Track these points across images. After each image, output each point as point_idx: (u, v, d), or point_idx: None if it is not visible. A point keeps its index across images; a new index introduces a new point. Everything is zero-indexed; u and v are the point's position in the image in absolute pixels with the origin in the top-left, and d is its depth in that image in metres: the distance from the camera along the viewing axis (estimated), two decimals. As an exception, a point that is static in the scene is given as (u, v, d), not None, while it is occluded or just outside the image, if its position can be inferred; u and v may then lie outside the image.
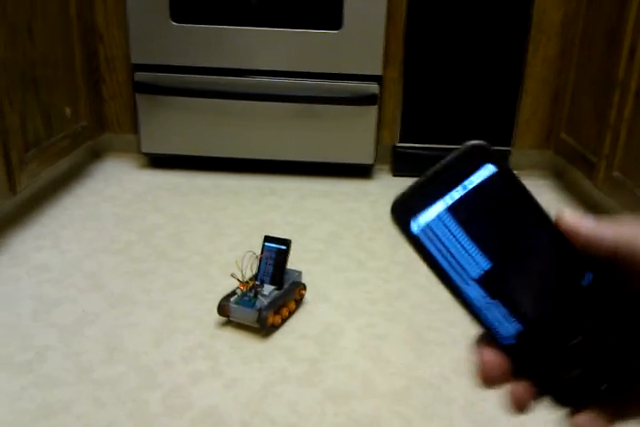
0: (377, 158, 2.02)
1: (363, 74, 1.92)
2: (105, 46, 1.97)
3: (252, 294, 1.21)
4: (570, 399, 0.29)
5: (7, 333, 1.19)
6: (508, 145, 2.03)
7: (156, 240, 1.57)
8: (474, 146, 0.30)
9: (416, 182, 0.31)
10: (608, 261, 0.29)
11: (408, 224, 0.30)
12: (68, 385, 1.05)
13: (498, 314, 0.30)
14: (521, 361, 0.30)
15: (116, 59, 1.99)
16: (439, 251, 0.30)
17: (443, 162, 0.30)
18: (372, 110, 1.94)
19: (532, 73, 1.97)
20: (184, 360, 1.13)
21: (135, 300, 1.31)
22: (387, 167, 2.12)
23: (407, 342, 1.21)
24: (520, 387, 0.29)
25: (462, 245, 0.30)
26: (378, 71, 1.91)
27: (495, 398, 1.06)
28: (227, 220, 1.70)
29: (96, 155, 2.13)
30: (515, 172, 0.30)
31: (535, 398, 0.30)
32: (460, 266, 0.30)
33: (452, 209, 0.30)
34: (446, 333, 1.23)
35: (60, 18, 1.71)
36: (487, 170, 0.30)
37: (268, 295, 1.21)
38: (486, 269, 0.30)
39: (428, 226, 0.30)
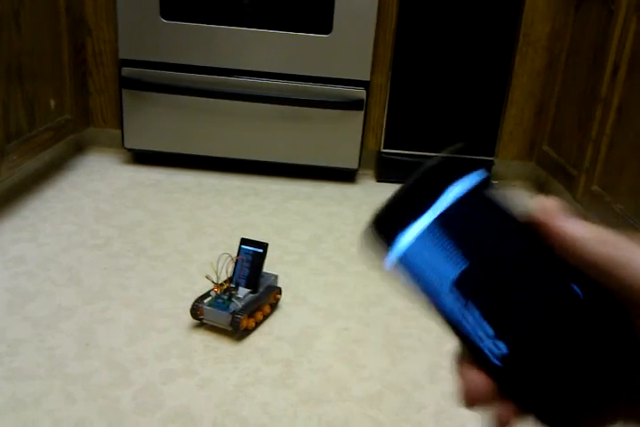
0: (361, 163, 2.03)
1: (350, 79, 1.92)
2: (93, 40, 1.96)
3: (226, 297, 1.20)
4: (560, 419, 0.27)
5: (-20, 325, 1.17)
6: (492, 155, 2.05)
7: (135, 236, 1.56)
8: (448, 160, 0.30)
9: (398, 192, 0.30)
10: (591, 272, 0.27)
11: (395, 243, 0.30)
12: (39, 379, 1.04)
13: (481, 332, 0.28)
14: (507, 384, 0.28)
15: (103, 53, 1.98)
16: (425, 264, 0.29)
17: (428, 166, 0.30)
18: (359, 115, 1.95)
19: (518, 84, 1.99)
20: (158, 358, 1.12)
21: (111, 296, 1.30)
22: (371, 172, 2.12)
23: (382, 347, 1.21)
24: (505, 408, 0.28)
25: (444, 247, 0.29)
26: (365, 77, 1.92)
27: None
28: (208, 218, 1.70)
29: (79, 148, 2.11)
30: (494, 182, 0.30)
31: (521, 418, 0.28)
32: (441, 271, 0.29)
33: (442, 218, 0.29)
34: (421, 339, 1.24)
35: (48, 9, 1.69)
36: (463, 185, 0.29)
37: (242, 298, 1.20)
38: (462, 269, 0.28)
39: (419, 238, 0.30)
